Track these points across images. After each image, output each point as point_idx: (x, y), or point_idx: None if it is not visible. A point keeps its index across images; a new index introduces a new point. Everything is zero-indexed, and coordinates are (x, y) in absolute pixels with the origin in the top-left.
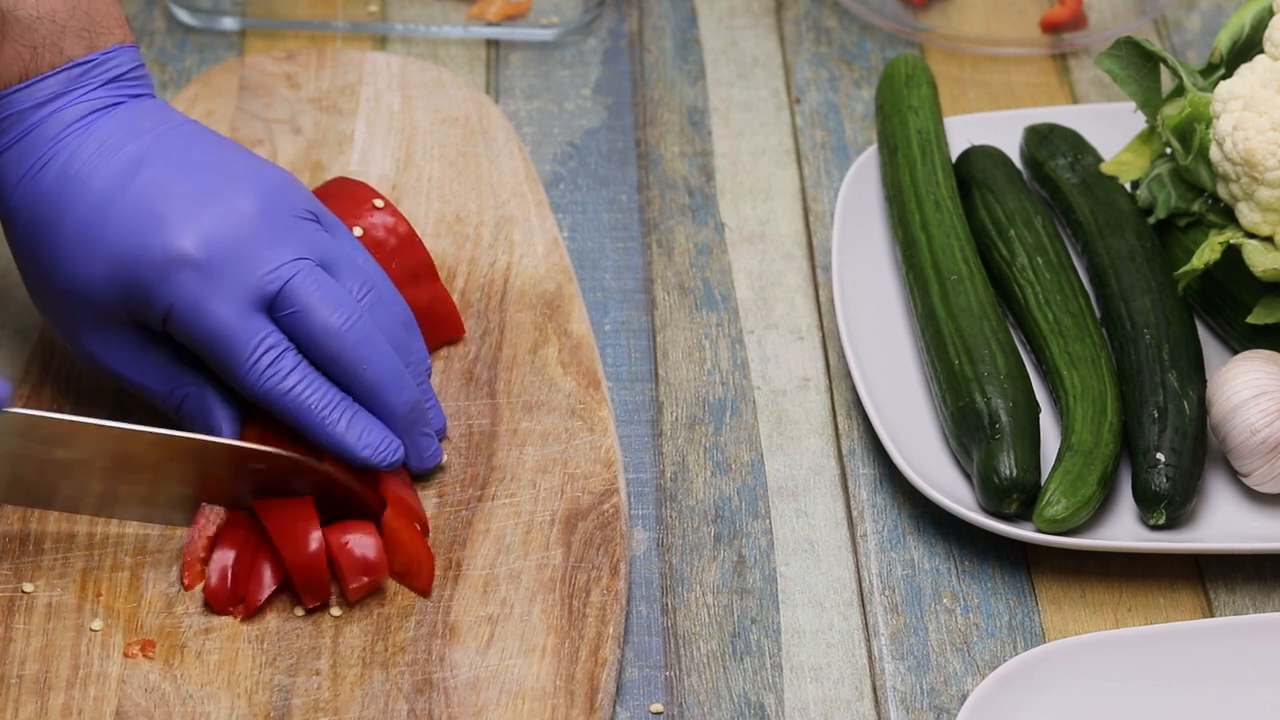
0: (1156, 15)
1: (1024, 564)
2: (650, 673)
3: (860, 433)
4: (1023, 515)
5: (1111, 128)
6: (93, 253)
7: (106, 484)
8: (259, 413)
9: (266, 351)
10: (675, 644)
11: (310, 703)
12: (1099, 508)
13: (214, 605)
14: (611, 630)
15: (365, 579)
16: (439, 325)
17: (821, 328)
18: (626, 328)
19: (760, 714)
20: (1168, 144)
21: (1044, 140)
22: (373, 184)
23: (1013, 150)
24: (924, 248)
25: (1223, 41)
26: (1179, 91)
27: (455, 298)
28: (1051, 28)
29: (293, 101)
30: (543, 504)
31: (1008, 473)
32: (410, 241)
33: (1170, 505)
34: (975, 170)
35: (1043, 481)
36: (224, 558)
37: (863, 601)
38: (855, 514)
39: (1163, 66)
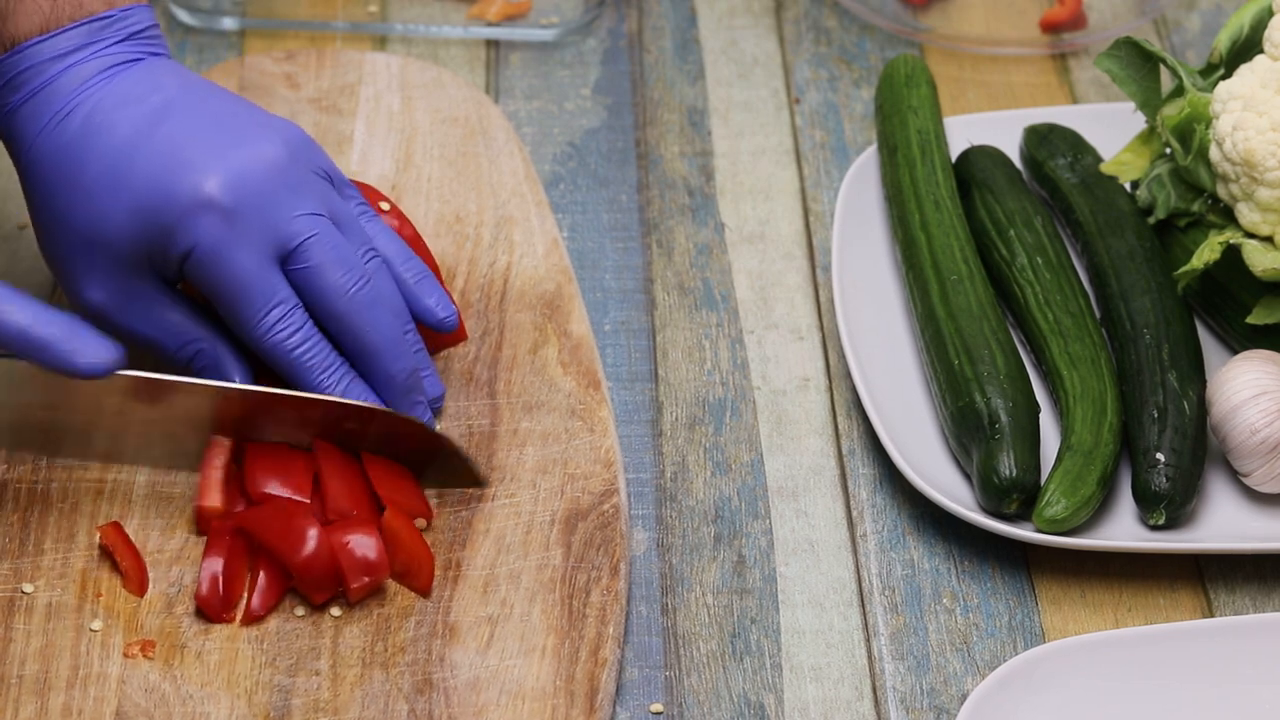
0: (1156, 15)
1: (1024, 564)
2: (650, 673)
3: (860, 433)
4: (1023, 515)
5: (1111, 128)
6: (117, 196)
7: (199, 439)
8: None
9: (278, 306)
10: (675, 644)
11: (310, 703)
12: (1099, 508)
13: (207, 613)
14: (611, 630)
15: (367, 579)
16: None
17: (821, 328)
18: (626, 328)
19: (760, 714)
20: (1167, 144)
21: (1044, 140)
22: (372, 184)
23: (1013, 150)
24: (924, 248)
25: (1222, 41)
26: (1179, 91)
27: (455, 298)
28: (1051, 28)
29: (292, 102)
30: (543, 504)
31: (1008, 473)
32: (416, 245)
33: (1170, 505)
34: (975, 170)
35: (1043, 481)
36: (213, 565)
37: (863, 601)
38: (855, 514)
39: (1162, 66)
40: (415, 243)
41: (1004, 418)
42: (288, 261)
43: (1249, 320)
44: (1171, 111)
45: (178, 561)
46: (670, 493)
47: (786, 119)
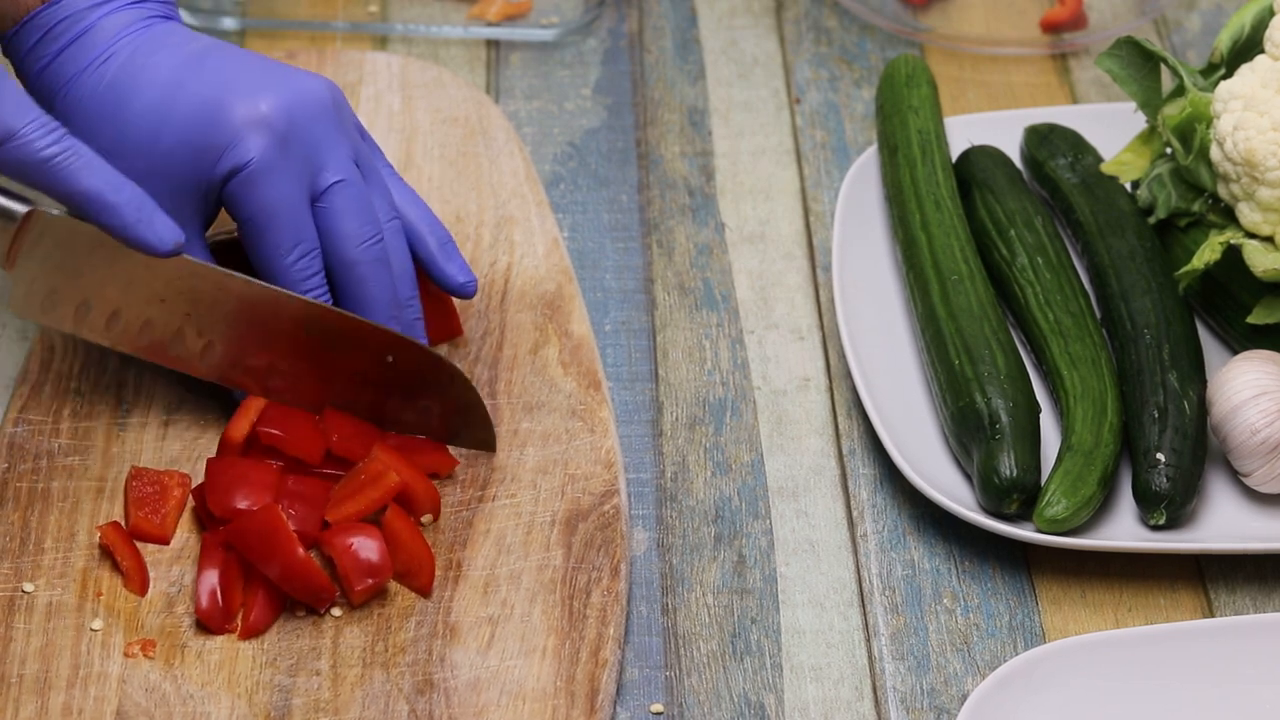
0: (1156, 15)
1: (1024, 564)
2: (650, 673)
3: (860, 433)
4: (1023, 515)
5: (1111, 128)
6: (165, 121)
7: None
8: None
9: (301, 244)
10: (675, 644)
11: (310, 703)
12: (1099, 508)
13: (210, 627)
14: (612, 631)
15: (370, 581)
16: (438, 325)
17: (821, 328)
18: (627, 328)
19: (760, 714)
20: (1168, 144)
21: (1044, 140)
22: None
23: (1013, 150)
24: (924, 248)
25: (1223, 41)
26: (1179, 91)
27: None
28: (1051, 28)
29: None
30: (543, 505)
31: (1008, 473)
32: None
33: (1170, 505)
34: (975, 170)
35: (1043, 481)
36: (209, 579)
37: (863, 601)
38: (855, 514)
39: (1163, 66)
40: None
41: (1004, 418)
42: (315, 200)
43: (1249, 320)
44: (1172, 111)
45: (178, 561)
46: (670, 493)
47: (787, 119)
